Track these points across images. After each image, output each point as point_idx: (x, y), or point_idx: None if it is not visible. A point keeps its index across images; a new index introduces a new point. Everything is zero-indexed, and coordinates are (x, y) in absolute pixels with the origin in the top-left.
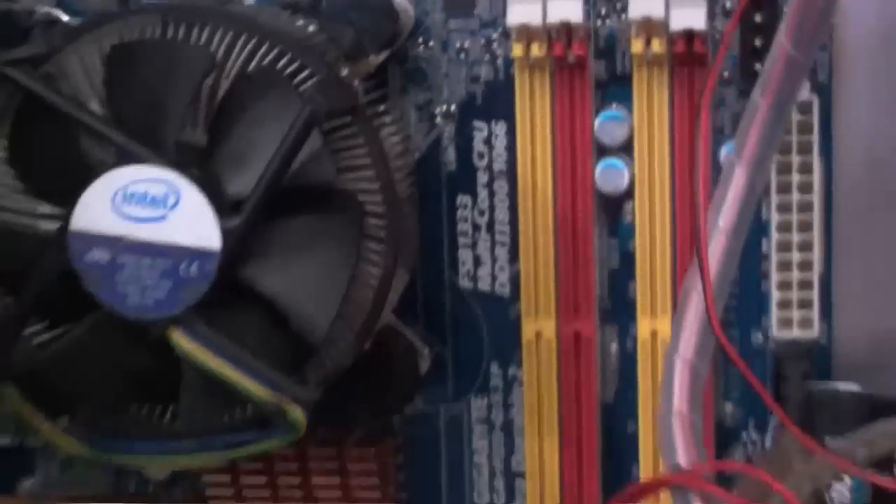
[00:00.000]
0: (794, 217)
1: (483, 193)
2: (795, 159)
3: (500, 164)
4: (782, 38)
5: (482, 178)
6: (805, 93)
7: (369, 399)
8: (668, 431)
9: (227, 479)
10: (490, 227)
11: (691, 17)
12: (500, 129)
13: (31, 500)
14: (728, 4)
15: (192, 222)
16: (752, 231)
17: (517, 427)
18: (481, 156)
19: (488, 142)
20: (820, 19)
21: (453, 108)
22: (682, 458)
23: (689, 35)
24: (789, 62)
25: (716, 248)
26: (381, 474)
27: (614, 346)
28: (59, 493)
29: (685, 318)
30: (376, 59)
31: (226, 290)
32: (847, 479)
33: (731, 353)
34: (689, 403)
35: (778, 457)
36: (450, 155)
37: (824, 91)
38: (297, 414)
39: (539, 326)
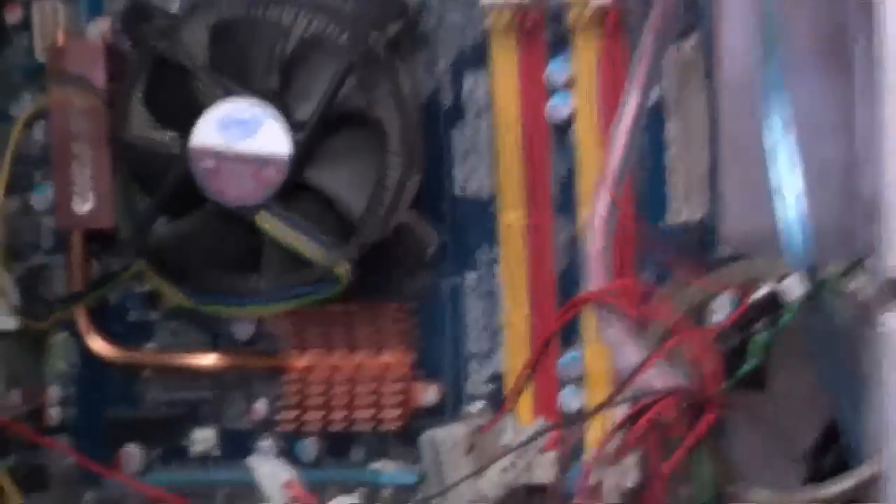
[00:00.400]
0: (686, 131)
1: (470, 124)
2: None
3: (481, 103)
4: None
5: (470, 113)
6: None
7: (392, 272)
8: (589, 266)
9: (290, 326)
10: (476, 148)
11: None
12: (481, 77)
13: (153, 355)
14: None
15: (271, 138)
16: (657, 145)
17: (498, 293)
18: (468, 97)
19: (473, 87)
20: None
21: (448, 63)
22: (594, 279)
23: (608, 6)
24: (665, 9)
25: (617, 146)
26: (404, 324)
27: (564, 232)
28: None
29: (600, 191)
30: (394, 28)
31: (293, 185)
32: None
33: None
34: (601, 245)
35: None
36: (447, 97)
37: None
38: (343, 269)
39: (511, 219)
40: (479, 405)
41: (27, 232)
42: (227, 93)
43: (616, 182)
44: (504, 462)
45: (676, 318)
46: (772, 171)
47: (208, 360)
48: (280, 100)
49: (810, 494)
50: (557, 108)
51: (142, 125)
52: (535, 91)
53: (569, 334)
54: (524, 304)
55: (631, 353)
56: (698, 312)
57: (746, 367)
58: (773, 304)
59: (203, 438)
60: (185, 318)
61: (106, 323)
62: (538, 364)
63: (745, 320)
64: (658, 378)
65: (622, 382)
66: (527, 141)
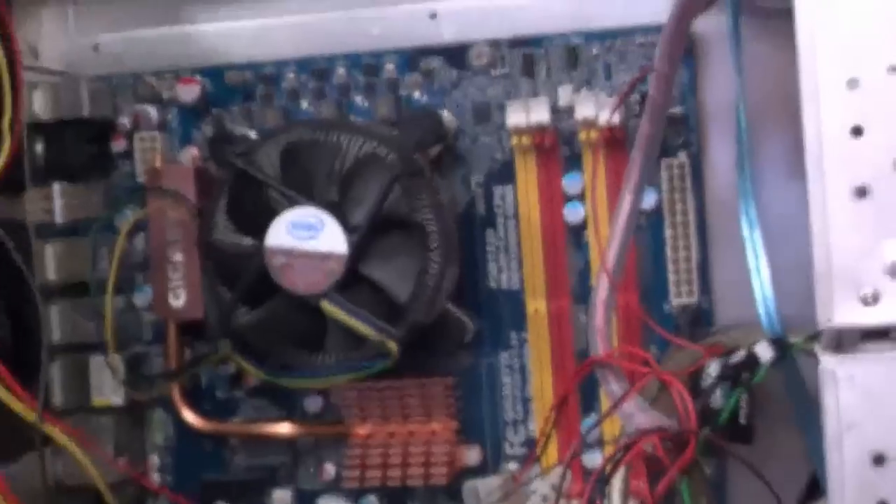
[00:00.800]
0: (679, 231)
1: (501, 228)
2: (677, 195)
3: (509, 210)
4: (644, 120)
5: (500, 219)
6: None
7: (437, 352)
8: (594, 338)
9: (353, 399)
10: (506, 248)
11: (611, 117)
12: (508, 189)
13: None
14: (637, 109)
15: (332, 239)
16: (658, 243)
17: (527, 369)
18: (498, 206)
19: (502, 197)
20: (664, 103)
21: (481, 178)
22: (600, 349)
23: (612, 129)
24: (648, 133)
25: (615, 239)
26: (448, 396)
27: (582, 317)
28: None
29: (601, 277)
30: (434, 150)
31: (351, 277)
32: (713, 363)
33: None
34: (603, 322)
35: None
36: (480, 205)
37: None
38: (392, 346)
39: (536, 306)
40: (515, 465)
41: (131, 326)
42: (295, 202)
43: (614, 268)
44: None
45: (667, 373)
46: (747, 259)
47: (284, 429)
48: (338, 207)
49: None
50: (572, 213)
51: (225, 231)
52: (554, 199)
53: (590, 401)
54: (550, 378)
55: (629, 405)
56: (691, 376)
57: (724, 415)
58: (750, 363)
59: (281, 498)
60: (263, 395)
61: (197, 401)
62: (559, 413)
63: (728, 377)
64: (649, 421)
65: (604, 414)
66: (548, 241)
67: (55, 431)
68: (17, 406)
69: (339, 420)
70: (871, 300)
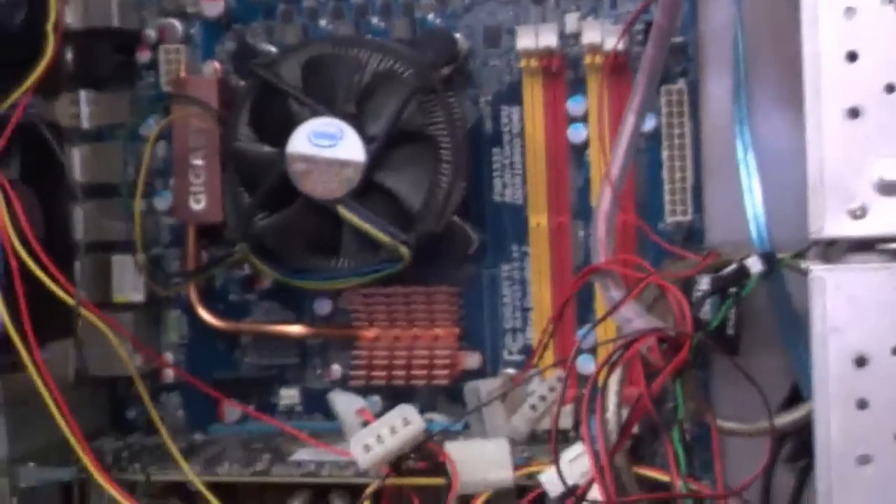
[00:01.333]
0: (676, 153)
1: (507, 146)
2: (675, 120)
3: (515, 129)
4: (649, 45)
5: (506, 137)
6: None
7: (443, 261)
8: (595, 247)
9: (361, 303)
10: (511, 165)
11: (616, 44)
12: (515, 110)
13: (249, 326)
14: (641, 38)
15: (350, 148)
16: (655, 164)
17: (527, 281)
18: (505, 125)
19: (509, 117)
20: (669, 28)
21: (490, 98)
22: (601, 257)
23: (616, 55)
24: (652, 57)
25: (618, 156)
26: (452, 304)
27: (581, 232)
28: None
29: (604, 190)
30: (447, 69)
31: (367, 186)
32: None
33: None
34: (604, 232)
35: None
36: (488, 125)
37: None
38: (405, 251)
39: (538, 220)
40: (513, 370)
41: (150, 228)
42: (316, 113)
43: (617, 183)
44: (531, 402)
45: (663, 279)
46: (741, 180)
47: (294, 330)
48: (357, 119)
49: (763, 423)
50: (576, 133)
51: (247, 139)
52: (558, 120)
53: (585, 313)
54: (549, 290)
55: (627, 310)
56: (683, 282)
57: (714, 322)
58: (740, 276)
59: (289, 395)
60: (275, 298)
61: (211, 302)
62: (559, 321)
63: (719, 288)
64: (646, 325)
65: (604, 315)
66: (551, 160)
67: (94, 318)
68: (59, 292)
69: (347, 323)
70: (860, 214)
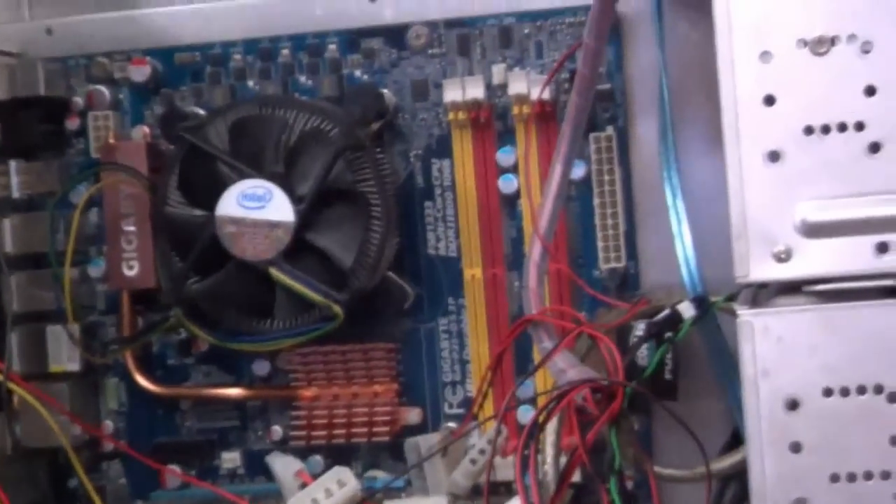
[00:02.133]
0: (607, 199)
1: (439, 199)
2: (605, 167)
3: (447, 182)
4: (573, 93)
5: (438, 190)
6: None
7: (378, 317)
8: (527, 298)
9: (299, 363)
10: (444, 218)
11: (541, 93)
12: (445, 163)
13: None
14: (567, 86)
15: (279, 209)
16: (587, 211)
17: (464, 333)
18: (436, 178)
19: (440, 170)
20: (592, 77)
21: (419, 152)
22: (533, 309)
23: (543, 104)
24: (577, 106)
25: (545, 213)
26: (390, 360)
27: (516, 283)
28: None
29: (534, 243)
30: (376, 125)
31: (298, 245)
32: (640, 322)
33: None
34: (535, 283)
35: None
36: (419, 179)
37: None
38: (338, 310)
39: (473, 272)
40: (454, 424)
41: (85, 296)
42: (244, 175)
43: (546, 233)
44: (471, 457)
45: (595, 329)
46: (671, 225)
47: (233, 393)
48: (285, 179)
49: (702, 469)
50: (506, 184)
51: (177, 203)
52: (489, 172)
53: (524, 364)
54: (486, 342)
55: (560, 360)
56: (620, 329)
57: (650, 368)
58: (674, 321)
59: (230, 459)
60: (213, 361)
61: (150, 367)
62: (495, 372)
63: (654, 334)
64: (579, 375)
65: (536, 366)
66: (483, 211)
67: (23, 392)
68: None
69: (286, 384)
70: (785, 257)
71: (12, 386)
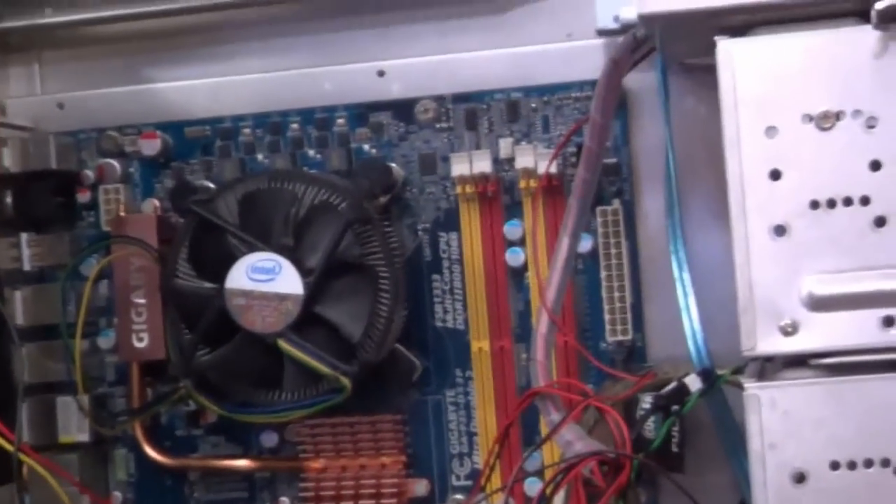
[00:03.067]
0: (614, 273)
1: (446, 272)
2: (612, 240)
3: (454, 255)
4: (580, 167)
5: (445, 263)
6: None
7: (386, 389)
8: (535, 371)
9: (307, 435)
10: (451, 291)
11: (548, 167)
12: (453, 236)
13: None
14: (573, 160)
15: (288, 281)
16: (594, 284)
17: (472, 405)
18: (444, 251)
19: (447, 243)
20: (599, 151)
21: (427, 225)
22: (541, 381)
23: (550, 178)
24: (584, 180)
25: (552, 286)
26: (397, 432)
27: (524, 355)
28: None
29: (541, 315)
30: (384, 198)
31: (306, 318)
32: (646, 395)
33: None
34: (543, 355)
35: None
36: (426, 252)
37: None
38: (346, 382)
39: (480, 345)
40: (461, 496)
41: (94, 367)
42: (253, 248)
43: (553, 306)
44: None
45: (603, 402)
46: (677, 298)
47: (241, 464)
48: (294, 252)
49: None
50: (514, 257)
51: (187, 275)
52: (496, 245)
53: (531, 436)
54: (493, 414)
55: (567, 432)
56: (627, 402)
57: (657, 441)
58: (680, 394)
59: None
60: (221, 432)
61: (158, 439)
62: (503, 444)
63: (660, 407)
64: (586, 447)
65: (544, 438)
66: (490, 284)
67: (32, 462)
68: None
69: (293, 455)
70: (791, 330)
71: (23, 457)
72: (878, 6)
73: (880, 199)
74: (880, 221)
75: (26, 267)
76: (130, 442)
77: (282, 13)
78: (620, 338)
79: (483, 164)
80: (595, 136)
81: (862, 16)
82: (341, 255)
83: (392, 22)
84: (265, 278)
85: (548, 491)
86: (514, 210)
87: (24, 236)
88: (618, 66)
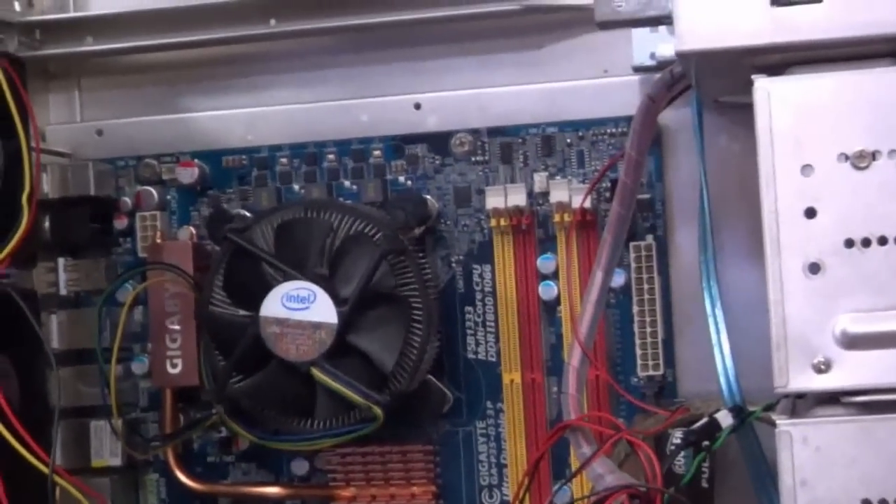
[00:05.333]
0: (647, 308)
1: (479, 304)
2: (644, 275)
3: (487, 287)
4: (615, 203)
5: (478, 295)
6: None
7: (417, 420)
8: (566, 404)
9: (338, 463)
10: (484, 323)
11: (583, 202)
12: (486, 268)
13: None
14: (608, 195)
15: (322, 310)
16: (626, 319)
17: (503, 437)
18: (477, 283)
19: (480, 275)
20: (634, 187)
21: (461, 257)
22: (572, 414)
23: (584, 212)
24: (619, 215)
25: (585, 320)
26: (427, 462)
27: (554, 388)
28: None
29: (574, 349)
30: (419, 230)
31: (340, 347)
32: (677, 430)
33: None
34: (575, 388)
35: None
36: (460, 283)
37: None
38: (378, 411)
39: (512, 377)
40: None
41: (128, 392)
42: (288, 277)
43: (586, 340)
44: None
45: (634, 436)
46: (710, 334)
47: (272, 491)
48: (329, 281)
49: None
50: (547, 291)
51: (222, 302)
52: (529, 278)
53: (561, 469)
54: (524, 446)
55: (598, 466)
56: (657, 436)
57: (687, 477)
58: (711, 429)
59: None
60: (252, 459)
61: (190, 464)
62: (533, 477)
63: (691, 442)
64: (617, 481)
65: (575, 471)
66: (523, 317)
67: (67, 485)
68: (34, 462)
69: (324, 483)
70: (824, 367)
71: (57, 479)
72: None
73: None
74: None
75: (63, 291)
76: (162, 467)
77: (319, 45)
78: (652, 373)
79: (518, 198)
80: (630, 172)
81: None
82: (376, 286)
83: (429, 56)
84: (300, 307)
85: None
86: (548, 244)
87: (61, 261)
88: (654, 102)
